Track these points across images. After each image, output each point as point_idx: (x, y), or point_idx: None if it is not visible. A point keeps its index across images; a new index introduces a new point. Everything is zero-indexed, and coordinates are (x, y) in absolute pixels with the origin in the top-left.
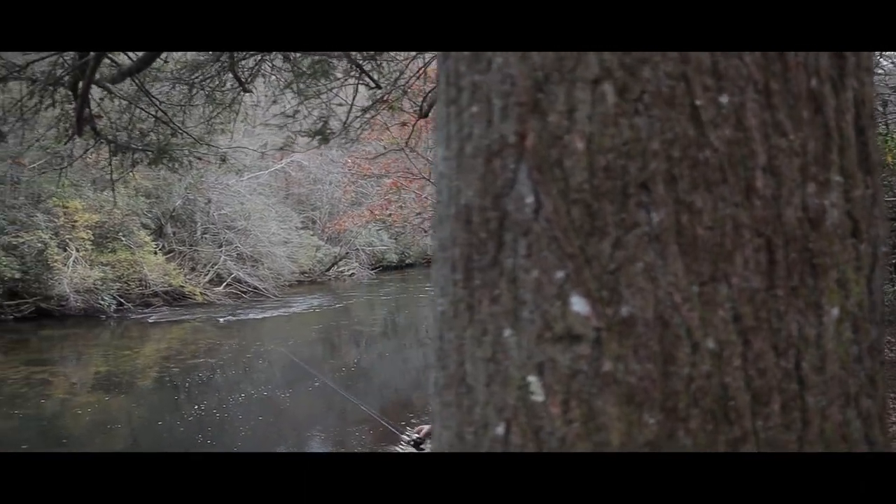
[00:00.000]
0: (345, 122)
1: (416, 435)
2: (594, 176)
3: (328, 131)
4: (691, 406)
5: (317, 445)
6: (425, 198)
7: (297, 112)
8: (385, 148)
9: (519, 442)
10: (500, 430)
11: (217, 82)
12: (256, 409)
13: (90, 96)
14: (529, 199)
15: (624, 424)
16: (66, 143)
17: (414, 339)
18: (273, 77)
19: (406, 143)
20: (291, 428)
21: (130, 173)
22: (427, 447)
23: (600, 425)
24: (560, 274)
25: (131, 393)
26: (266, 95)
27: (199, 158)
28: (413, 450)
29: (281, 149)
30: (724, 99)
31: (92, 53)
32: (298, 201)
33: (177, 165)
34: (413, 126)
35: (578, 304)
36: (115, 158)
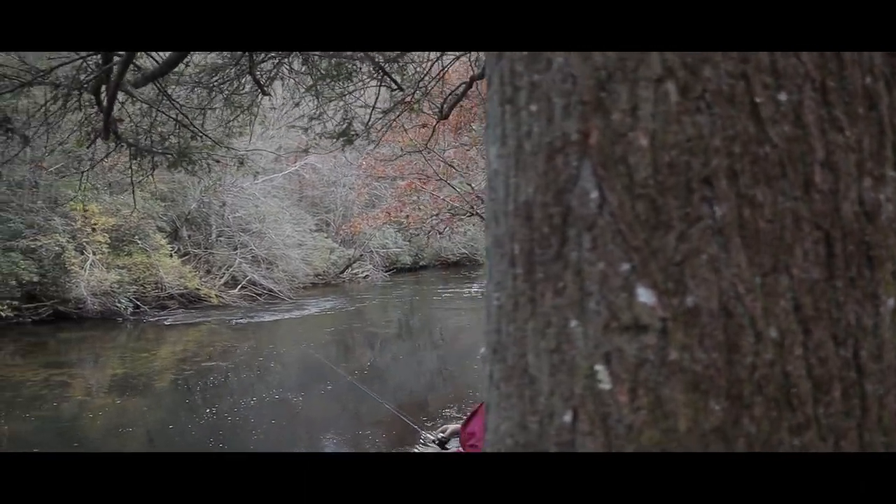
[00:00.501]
0: (366, 124)
1: (441, 434)
2: (658, 172)
3: (352, 133)
4: (755, 393)
5: (331, 447)
6: (443, 199)
7: (321, 114)
8: (402, 150)
9: (587, 429)
10: (568, 417)
11: (235, 85)
12: (271, 411)
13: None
14: (594, 195)
15: (691, 411)
16: (88, 147)
17: (428, 341)
18: (291, 80)
19: (426, 144)
20: (306, 430)
21: (150, 176)
22: (452, 447)
23: (668, 412)
24: (626, 266)
25: (148, 395)
26: (284, 98)
27: (217, 161)
28: (438, 449)
29: (305, 151)
30: (782, 96)
31: (119, 57)
32: (312, 204)
33: (195, 168)
34: (434, 128)
35: (645, 295)
36: (135, 162)
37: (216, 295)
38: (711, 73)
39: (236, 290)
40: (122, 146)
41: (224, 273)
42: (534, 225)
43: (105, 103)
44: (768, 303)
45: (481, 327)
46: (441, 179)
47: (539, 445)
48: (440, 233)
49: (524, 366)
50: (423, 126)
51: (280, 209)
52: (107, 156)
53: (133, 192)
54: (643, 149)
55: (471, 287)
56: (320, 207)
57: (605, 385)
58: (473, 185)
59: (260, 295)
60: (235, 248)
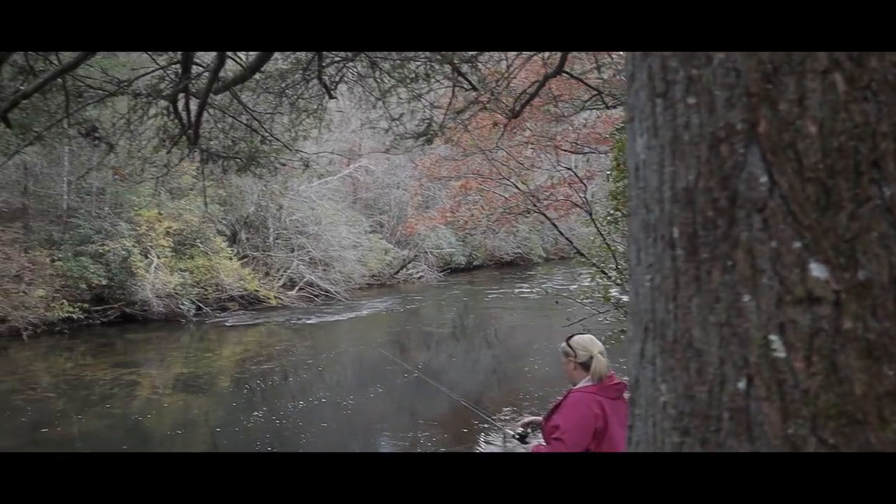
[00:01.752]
0: (440, 125)
1: (521, 429)
2: (827, 156)
3: (432, 132)
4: None
5: (387, 446)
6: (507, 198)
7: (401, 115)
8: (465, 150)
9: (762, 394)
10: (742, 384)
11: (302, 90)
12: (328, 409)
13: (185, 108)
14: (763, 179)
15: (865, 376)
16: (168, 153)
17: (482, 341)
18: (357, 84)
19: (497, 143)
20: (362, 428)
21: (220, 181)
22: (533, 440)
23: (843, 378)
24: (798, 244)
25: (211, 394)
26: (352, 101)
27: (284, 164)
28: (519, 443)
29: (386, 151)
30: None
31: (198, 65)
32: (366, 205)
33: (263, 172)
34: (504, 127)
35: (817, 270)
36: (206, 166)
37: (275, 296)
38: (877, 63)
39: (294, 291)
40: (195, 151)
41: (282, 275)
42: (696, 209)
43: (196, 110)
44: None
45: (535, 326)
46: (503, 178)
47: (709, 412)
48: (495, 232)
49: (688, 340)
50: (494, 125)
51: (335, 211)
52: (180, 161)
53: (204, 196)
54: (812, 136)
55: (522, 286)
56: (374, 209)
57: (780, 353)
58: (529, 184)
59: (317, 296)
60: (293, 250)
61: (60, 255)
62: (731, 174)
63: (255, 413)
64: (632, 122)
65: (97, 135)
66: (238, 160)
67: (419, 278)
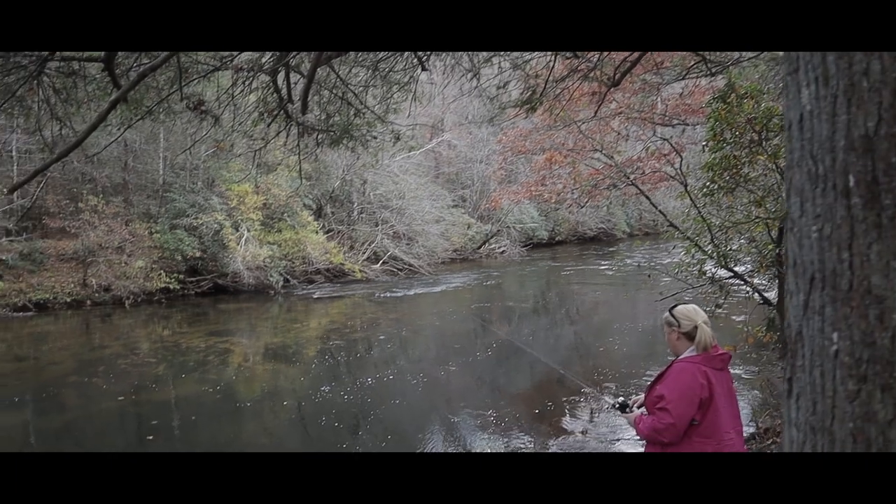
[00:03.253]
0: (542, 93)
1: (622, 398)
2: None
3: (535, 100)
4: None
5: (467, 419)
6: (597, 170)
7: (506, 84)
8: (552, 123)
9: None
10: None
11: (395, 62)
12: (410, 382)
13: (285, 82)
14: None
15: None
16: (267, 126)
17: (564, 317)
18: (449, 55)
19: (595, 112)
20: (444, 401)
21: (312, 153)
22: (632, 409)
23: None
24: None
25: (298, 363)
26: (443, 73)
27: (375, 137)
28: (619, 413)
29: (490, 121)
30: None
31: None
32: (449, 180)
33: (356, 145)
34: (603, 97)
35: None
36: (301, 140)
37: (359, 270)
38: None
39: (378, 265)
40: (292, 125)
41: (366, 249)
42: (877, 156)
43: (302, 84)
44: None
45: (618, 302)
46: (592, 150)
47: (892, 358)
48: (581, 206)
49: (867, 287)
50: (594, 94)
51: (418, 185)
52: (277, 134)
53: (300, 170)
54: None
55: (605, 262)
56: (457, 183)
57: None
58: (617, 158)
59: (400, 270)
60: (376, 225)
61: (158, 228)
62: None
63: (338, 383)
64: (795, 73)
65: (203, 108)
66: (332, 133)
67: (501, 253)
